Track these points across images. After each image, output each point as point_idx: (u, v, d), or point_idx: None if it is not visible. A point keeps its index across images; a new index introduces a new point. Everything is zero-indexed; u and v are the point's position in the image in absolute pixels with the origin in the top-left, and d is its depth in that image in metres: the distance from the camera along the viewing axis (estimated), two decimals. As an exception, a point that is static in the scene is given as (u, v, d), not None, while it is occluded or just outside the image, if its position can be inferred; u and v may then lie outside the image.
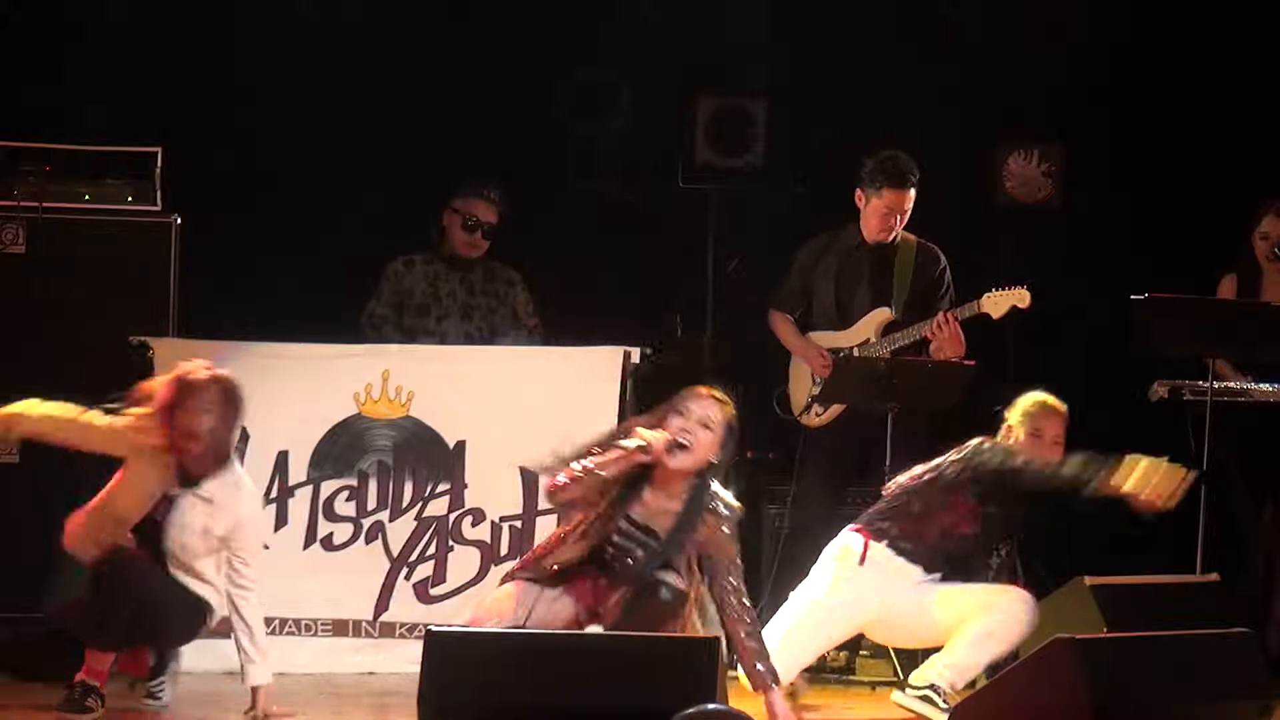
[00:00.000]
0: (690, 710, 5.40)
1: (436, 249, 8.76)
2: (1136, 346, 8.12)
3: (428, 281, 8.74)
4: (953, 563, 7.23)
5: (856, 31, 9.56)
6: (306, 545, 8.02)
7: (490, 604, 6.45)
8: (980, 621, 6.96)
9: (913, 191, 8.38)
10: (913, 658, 8.00)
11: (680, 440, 6.44)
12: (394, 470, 8.09)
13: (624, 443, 6.45)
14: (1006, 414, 7.37)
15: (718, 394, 6.57)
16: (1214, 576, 7.66)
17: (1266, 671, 6.08)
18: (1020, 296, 8.15)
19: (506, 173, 9.01)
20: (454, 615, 7.95)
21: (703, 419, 6.48)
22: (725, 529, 6.54)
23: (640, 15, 9.40)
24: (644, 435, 6.43)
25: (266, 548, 7.31)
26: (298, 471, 8.08)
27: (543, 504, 8.08)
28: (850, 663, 8.21)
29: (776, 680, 6.50)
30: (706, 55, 9.50)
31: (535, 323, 8.78)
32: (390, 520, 8.10)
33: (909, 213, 8.42)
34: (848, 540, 7.26)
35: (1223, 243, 8.75)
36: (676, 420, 6.48)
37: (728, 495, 6.63)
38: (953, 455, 7.20)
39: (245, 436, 8.02)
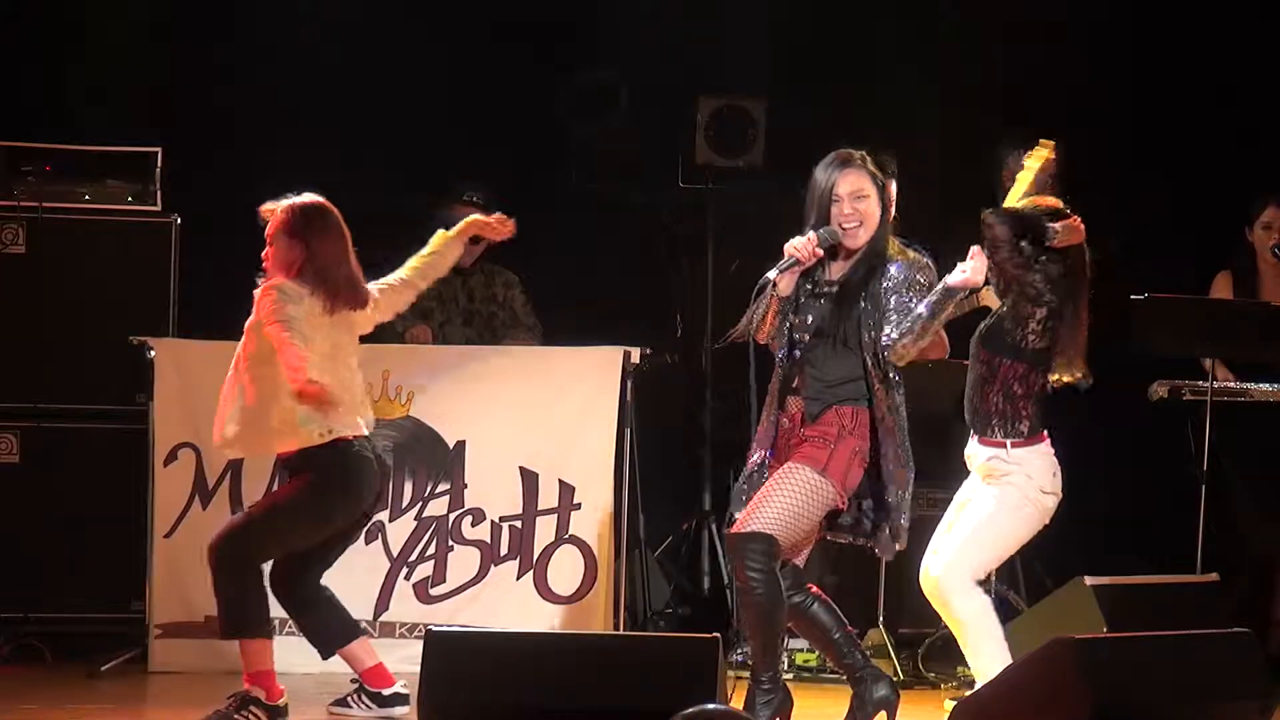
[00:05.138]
0: (690, 710, 5.39)
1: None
2: (1136, 346, 8.12)
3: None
4: None
5: (856, 31, 9.56)
6: (306, 545, 8.01)
7: None
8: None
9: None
10: (913, 657, 8.00)
11: (845, 225, 6.53)
12: (394, 470, 8.08)
13: (778, 266, 6.50)
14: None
15: (850, 155, 6.59)
16: (1214, 576, 7.66)
17: (1266, 671, 6.06)
18: None
19: (507, 173, 9.01)
20: (454, 615, 7.99)
21: (855, 192, 6.55)
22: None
23: (640, 15, 9.39)
24: (793, 248, 6.49)
25: None
26: (298, 471, 8.08)
27: (543, 504, 8.10)
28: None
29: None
30: (706, 55, 9.49)
31: (534, 322, 8.78)
32: (390, 520, 8.11)
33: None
34: None
35: (1222, 242, 8.75)
36: (835, 208, 6.53)
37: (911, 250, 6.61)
38: None
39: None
